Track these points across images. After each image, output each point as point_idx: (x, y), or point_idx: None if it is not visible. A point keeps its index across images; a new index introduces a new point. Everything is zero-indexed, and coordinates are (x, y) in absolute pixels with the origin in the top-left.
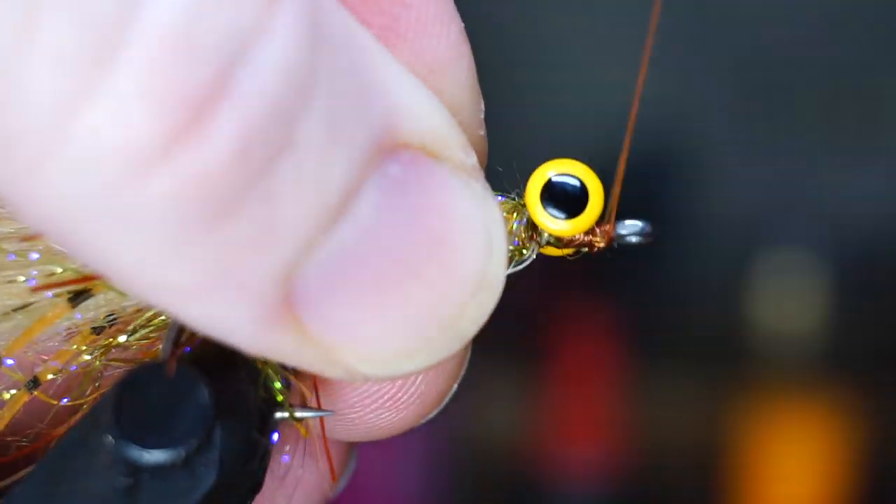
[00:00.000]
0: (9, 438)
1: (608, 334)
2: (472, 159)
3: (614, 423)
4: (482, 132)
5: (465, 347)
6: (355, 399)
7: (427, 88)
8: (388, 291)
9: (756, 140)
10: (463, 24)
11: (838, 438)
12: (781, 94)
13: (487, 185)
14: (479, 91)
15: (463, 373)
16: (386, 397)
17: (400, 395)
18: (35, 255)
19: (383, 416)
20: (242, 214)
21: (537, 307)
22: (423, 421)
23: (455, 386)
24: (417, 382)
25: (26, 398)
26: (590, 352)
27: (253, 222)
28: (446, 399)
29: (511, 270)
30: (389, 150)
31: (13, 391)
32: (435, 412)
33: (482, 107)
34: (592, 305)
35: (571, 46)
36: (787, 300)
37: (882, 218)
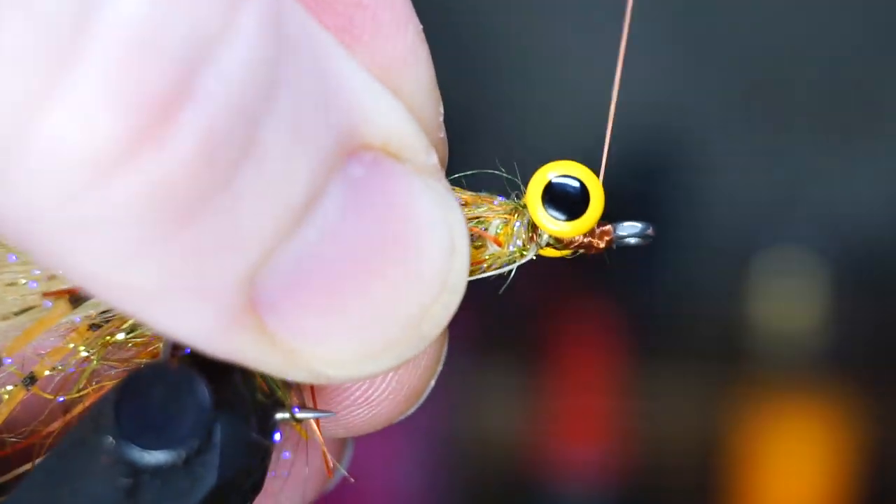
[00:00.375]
0: (3, 435)
1: (608, 333)
2: (433, 159)
3: (614, 423)
4: (442, 134)
5: (441, 344)
6: (328, 397)
7: (387, 89)
8: (351, 293)
9: (756, 140)
10: (421, 26)
11: (838, 438)
12: (781, 94)
13: (449, 186)
14: (438, 93)
15: (440, 369)
16: (357, 394)
17: (371, 392)
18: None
19: (357, 413)
20: (206, 218)
21: (537, 307)
22: (401, 417)
23: (432, 382)
24: (388, 380)
25: (23, 394)
26: (590, 351)
27: (216, 226)
28: (424, 395)
29: (508, 268)
30: (352, 152)
31: (10, 387)
32: (413, 408)
33: (441, 109)
34: (592, 305)
35: (569, 47)
36: (787, 300)
37: (882, 217)
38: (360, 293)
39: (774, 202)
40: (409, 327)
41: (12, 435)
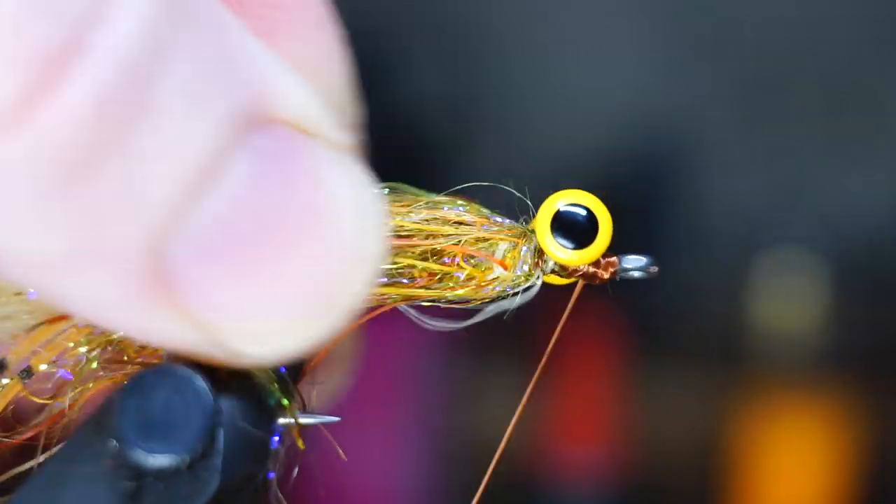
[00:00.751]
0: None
1: (608, 333)
2: (345, 138)
3: (614, 423)
4: (357, 137)
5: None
6: None
7: (299, 74)
8: (263, 264)
9: (756, 140)
10: (341, 31)
11: (838, 438)
12: (781, 94)
13: (361, 163)
14: (354, 97)
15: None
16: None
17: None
18: None
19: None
20: (100, 178)
21: (537, 307)
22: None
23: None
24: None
25: (20, 388)
26: (589, 351)
27: (112, 187)
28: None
29: (512, 293)
30: (260, 124)
31: (6, 381)
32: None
33: (358, 113)
34: (592, 305)
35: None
36: (788, 299)
37: (882, 217)
38: (272, 264)
39: (774, 202)
40: (324, 298)
41: (8, 434)
